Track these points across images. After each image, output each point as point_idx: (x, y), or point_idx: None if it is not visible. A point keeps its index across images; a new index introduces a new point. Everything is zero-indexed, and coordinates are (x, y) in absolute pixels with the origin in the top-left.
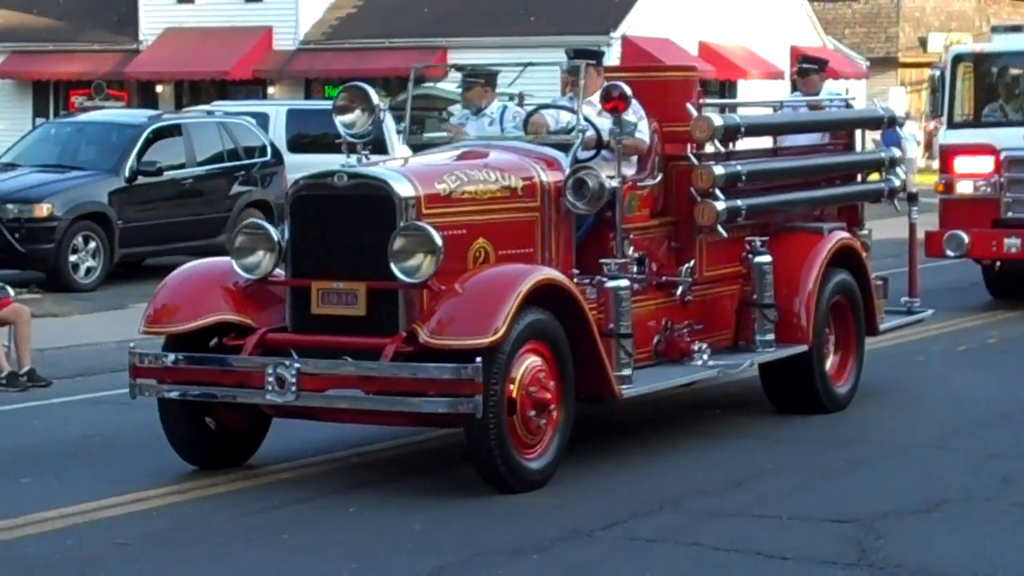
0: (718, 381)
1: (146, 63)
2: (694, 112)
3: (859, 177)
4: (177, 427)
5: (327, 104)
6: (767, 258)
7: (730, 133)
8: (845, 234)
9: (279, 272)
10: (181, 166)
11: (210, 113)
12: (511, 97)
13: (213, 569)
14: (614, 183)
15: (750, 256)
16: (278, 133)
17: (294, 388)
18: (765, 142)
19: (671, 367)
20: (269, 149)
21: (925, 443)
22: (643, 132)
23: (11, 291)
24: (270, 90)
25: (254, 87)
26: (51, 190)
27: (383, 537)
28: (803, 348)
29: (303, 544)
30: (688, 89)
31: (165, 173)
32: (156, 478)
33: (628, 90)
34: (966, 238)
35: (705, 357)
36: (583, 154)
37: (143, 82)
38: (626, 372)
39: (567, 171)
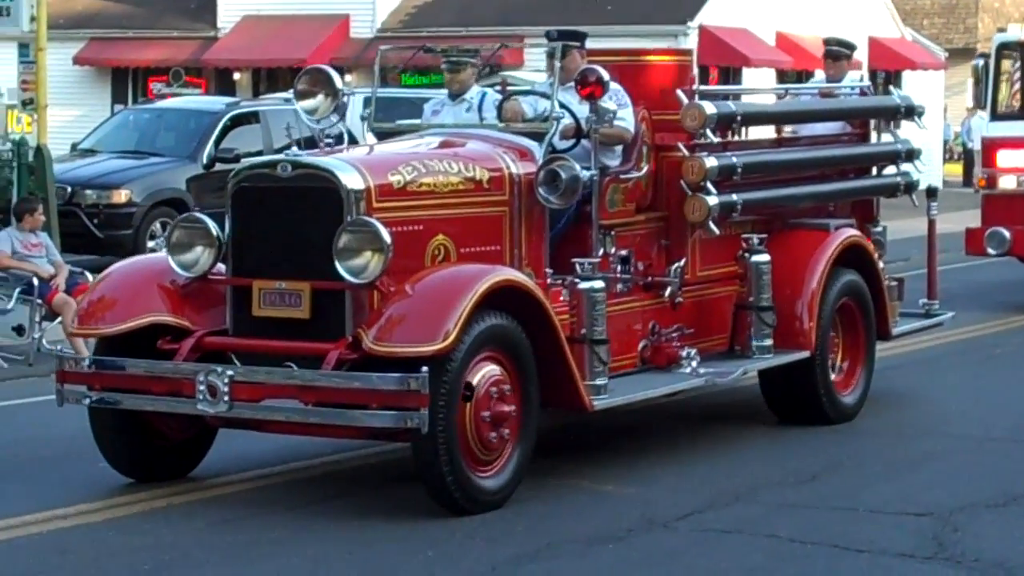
0: None
1: (224, 50)
2: (685, 99)
3: (874, 170)
4: (108, 437)
5: (405, 92)
6: (765, 257)
7: (724, 122)
8: (854, 231)
9: (221, 270)
10: (258, 153)
11: (287, 100)
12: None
13: None
14: (589, 175)
15: (746, 255)
16: (355, 121)
17: (227, 398)
18: (767, 132)
19: (657, 375)
20: (346, 137)
21: (1002, 437)
22: (626, 120)
23: (89, 276)
24: (347, 78)
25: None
26: (129, 176)
27: (459, 526)
28: (804, 355)
29: (365, 538)
30: (682, 74)
31: (242, 160)
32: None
33: (606, 75)
34: (1008, 235)
35: (694, 364)
36: (562, 144)
37: (220, 69)
38: (600, 381)
39: (540, 162)
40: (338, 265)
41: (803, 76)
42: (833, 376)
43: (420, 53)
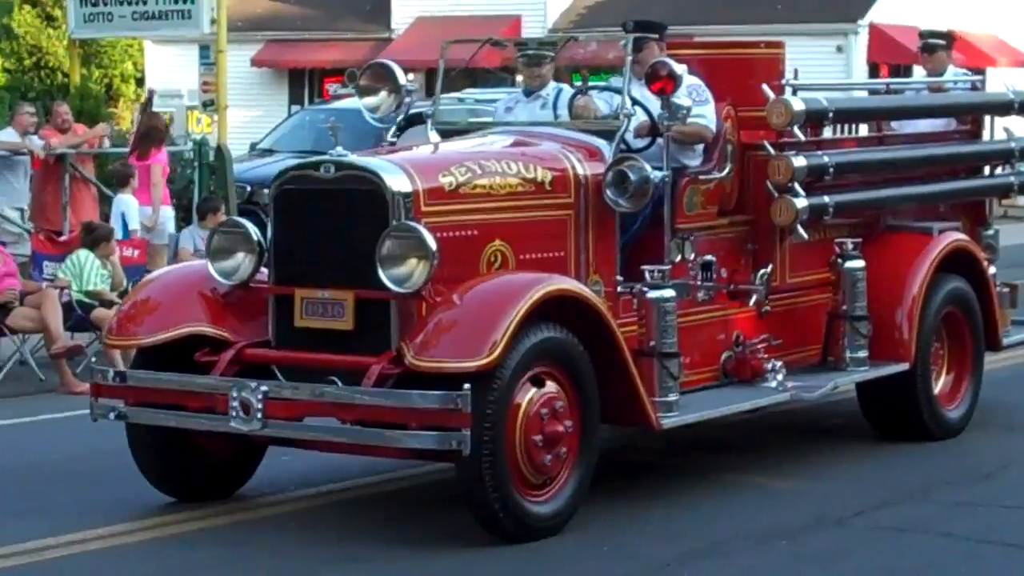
0: None
1: (397, 51)
2: (771, 94)
3: (987, 170)
4: (146, 454)
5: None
6: (859, 263)
7: (815, 118)
8: (960, 235)
9: (264, 277)
10: None
11: (461, 100)
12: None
13: None
14: (661, 176)
15: (839, 260)
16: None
17: (260, 415)
18: (864, 129)
19: (739, 389)
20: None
21: None
22: (706, 117)
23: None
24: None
25: (503, 75)
26: None
27: (629, 524)
28: (903, 367)
29: None
30: (773, 68)
31: None
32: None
33: (678, 68)
34: None
35: (780, 377)
36: (638, 143)
37: None
38: (671, 397)
39: (609, 162)
40: (381, 273)
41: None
42: (937, 389)
43: (488, 47)
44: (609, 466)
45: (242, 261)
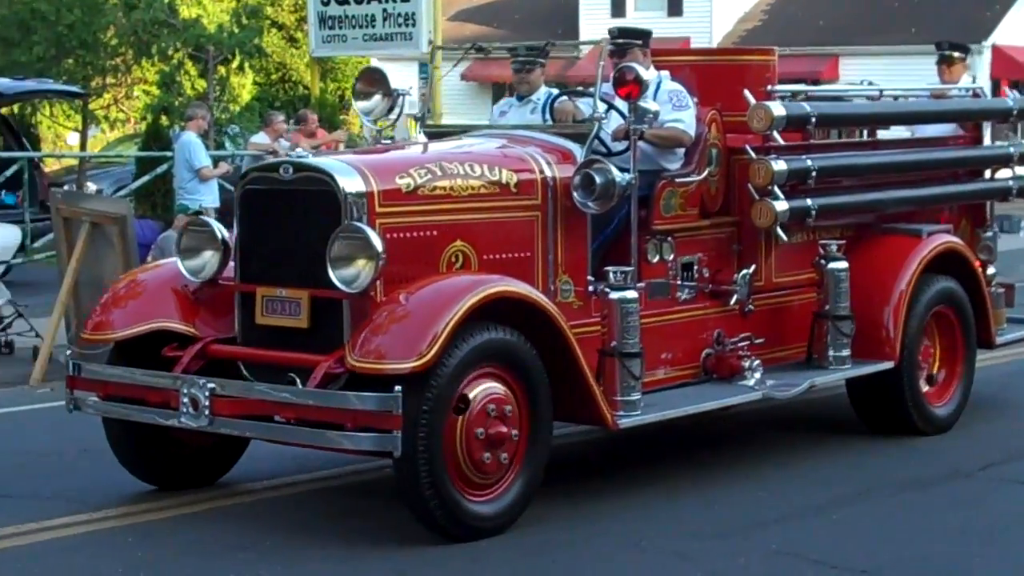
0: None
1: (584, 68)
2: (752, 100)
3: (987, 174)
4: (120, 444)
5: None
6: (842, 264)
7: (796, 123)
8: (950, 237)
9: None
10: None
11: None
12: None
13: None
14: (628, 178)
15: (823, 261)
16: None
17: (208, 412)
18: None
19: (713, 387)
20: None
21: None
22: (685, 122)
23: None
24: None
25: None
26: None
27: (773, 474)
28: (888, 365)
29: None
30: (761, 75)
31: None
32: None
33: (645, 73)
34: None
35: (758, 376)
36: (618, 146)
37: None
38: (634, 397)
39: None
40: (331, 273)
41: None
42: (928, 387)
43: (473, 53)
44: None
45: (208, 259)
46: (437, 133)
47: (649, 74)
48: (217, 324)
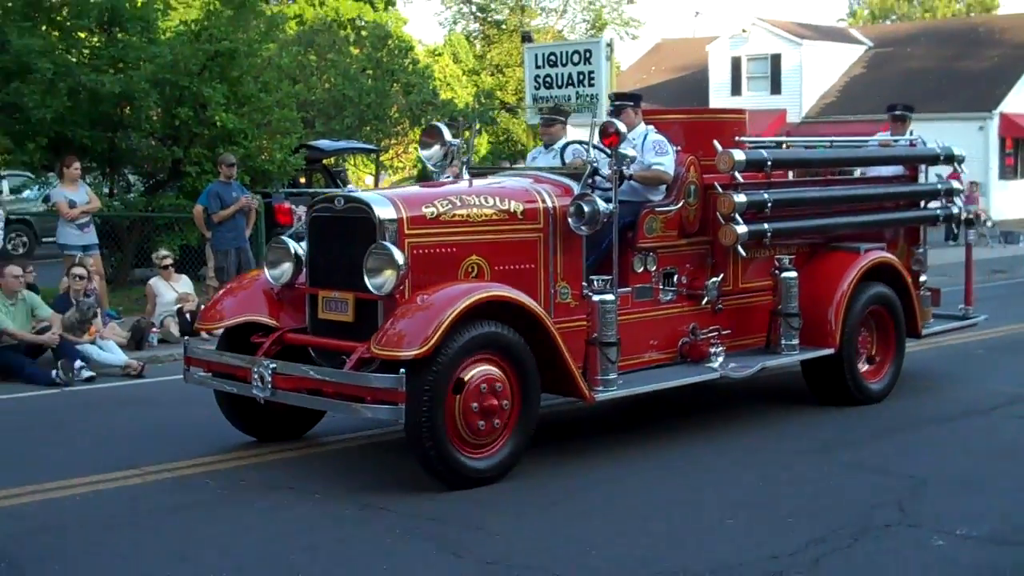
0: None
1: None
2: (719, 147)
3: (922, 204)
4: (225, 405)
5: None
6: (793, 273)
7: (755, 166)
8: (882, 253)
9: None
10: None
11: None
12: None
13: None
14: (610, 208)
15: (777, 271)
16: None
17: (270, 386)
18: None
19: (682, 368)
20: (465, 174)
21: None
22: (664, 164)
23: None
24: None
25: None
26: None
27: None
28: (828, 351)
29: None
30: (731, 129)
31: None
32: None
33: (623, 127)
34: None
35: (720, 359)
36: (608, 185)
37: None
38: (611, 376)
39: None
40: (367, 280)
41: None
42: (865, 367)
43: (502, 111)
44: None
45: (285, 268)
46: (480, 172)
47: (639, 128)
48: (296, 318)
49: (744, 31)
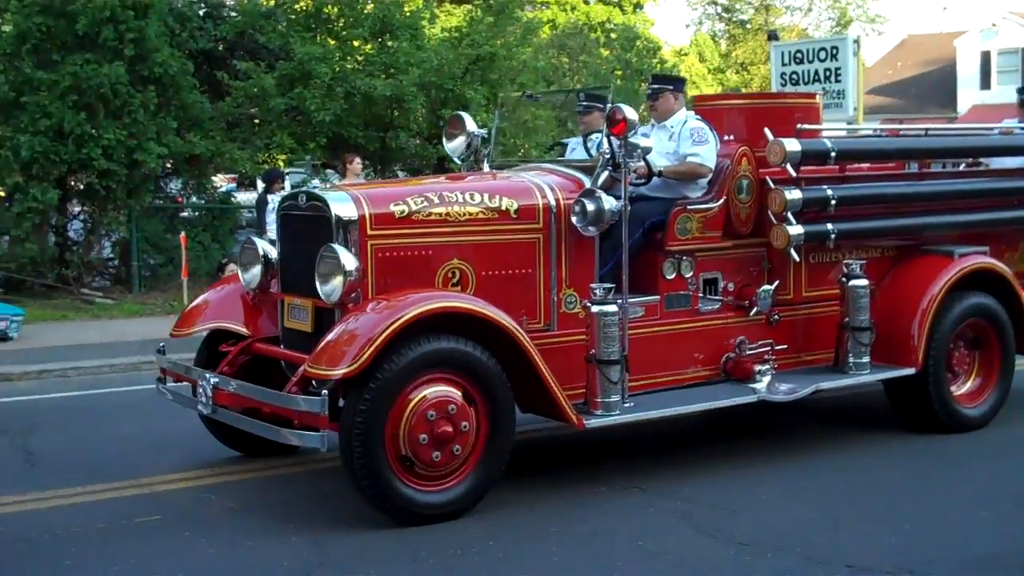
0: None
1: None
2: (770, 137)
3: None
4: (206, 419)
5: None
6: (862, 282)
7: (813, 157)
8: (983, 258)
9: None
10: None
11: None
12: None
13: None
14: (618, 206)
15: (844, 279)
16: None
17: (211, 402)
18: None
19: (717, 388)
20: (487, 167)
21: None
22: (702, 156)
23: None
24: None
25: None
26: None
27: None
28: (908, 371)
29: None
30: (787, 115)
31: None
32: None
33: (632, 114)
34: None
35: (767, 379)
36: (639, 181)
37: None
38: (613, 398)
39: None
40: (318, 286)
41: None
42: (962, 390)
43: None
44: None
45: (255, 272)
46: (500, 166)
47: (678, 115)
48: (269, 326)
49: (994, 25)
